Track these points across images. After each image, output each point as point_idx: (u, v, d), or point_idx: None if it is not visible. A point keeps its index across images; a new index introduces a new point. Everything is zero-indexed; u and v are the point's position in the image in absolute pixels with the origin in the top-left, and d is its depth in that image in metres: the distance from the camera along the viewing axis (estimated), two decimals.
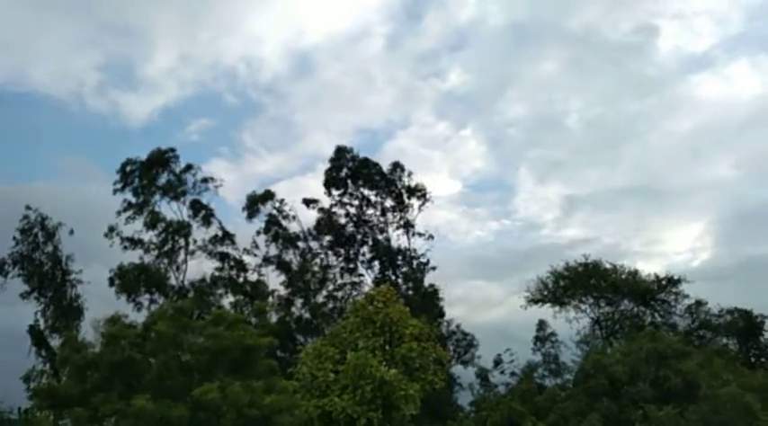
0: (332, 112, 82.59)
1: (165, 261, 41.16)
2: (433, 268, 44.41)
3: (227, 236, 43.45)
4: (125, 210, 41.52)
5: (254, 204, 44.80)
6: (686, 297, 39.55)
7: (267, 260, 44.07)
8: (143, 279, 40.08)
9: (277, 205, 44.89)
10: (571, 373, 35.78)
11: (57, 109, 75.68)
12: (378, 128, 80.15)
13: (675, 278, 39.78)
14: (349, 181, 45.47)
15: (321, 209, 45.17)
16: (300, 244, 44.95)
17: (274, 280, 43.74)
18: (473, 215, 71.38)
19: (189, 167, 43.12)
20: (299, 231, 45.14)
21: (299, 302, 43.54)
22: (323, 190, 45.27)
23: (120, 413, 19.54)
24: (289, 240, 44.58)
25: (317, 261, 44.80)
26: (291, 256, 44.58)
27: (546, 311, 42.11)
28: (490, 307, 62.35)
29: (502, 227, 71.07)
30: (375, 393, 24.10)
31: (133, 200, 41.83)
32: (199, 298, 39.10)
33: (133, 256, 41.42)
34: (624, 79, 75.29)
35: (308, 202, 45.51)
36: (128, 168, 42.23)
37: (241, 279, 42.86)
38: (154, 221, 41.58)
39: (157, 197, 42.26)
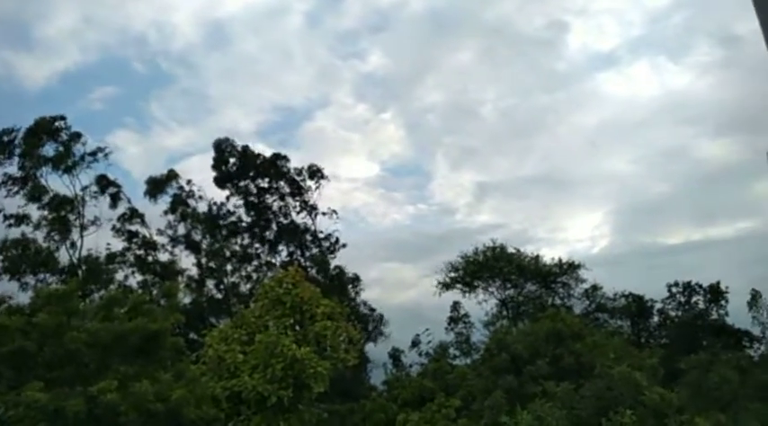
0: (248, 87, 79.90)
1: (57, 238, 38.57)
2: (344, 245, 44.62)
3: (135, 215, 41.57)
4: (4, 184, 38.48)
5: (156, 186, 42.75)
6: (584, 281, 41.95)
7: (175, 240, 42.61)
8: (28, 257, 37.38)
9: (182, 185, 43.25)
10: (480, 353, 37.08)
11: None
12: (296, 106, 78.66)
13: (575, 263, 42.02)
14: (238, 176, 44.44)
15: (214, 204, 44.11)
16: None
17: (186, 261, 42.50)
18: (390, 198, 72.17)
19: (77, 135, 39.94)
20: (209, 210, 43.98)
21: (210, 283, 42.57)
22: (214, 184, 43.94)
23: (10, 403, 18.35)
24: (198, 220, 43.24)
25: (233, 241, 43.89)
26: (201, 236, 43.44)
27: (457, 294, 43.31)
28: (404, 289, 63.46)
29: (418, 211, 72.32)
30: (286, 371, 24.01)
31: (16, 173, 38.69)
32: (92, 277, 37.14)
33: (17, 233, 38.64)
34: (536, 72, 78.23)
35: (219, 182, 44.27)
36: (5, 138, 38.67)
37: (150, 259, 41.23)
38: (38, 194, 38.70)
39: (44, 169, 39.23)
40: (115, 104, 73.11)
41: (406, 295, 62.26)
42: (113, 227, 40.60)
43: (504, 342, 26.30)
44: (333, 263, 44.06)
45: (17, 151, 38.69)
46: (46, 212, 38.48)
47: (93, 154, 39.99)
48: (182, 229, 42.72)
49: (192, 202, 43.43)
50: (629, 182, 69.64)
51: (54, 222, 38.17)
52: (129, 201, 41.56)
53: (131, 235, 41.24)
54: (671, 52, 77.46)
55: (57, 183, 39.49)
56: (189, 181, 43.44)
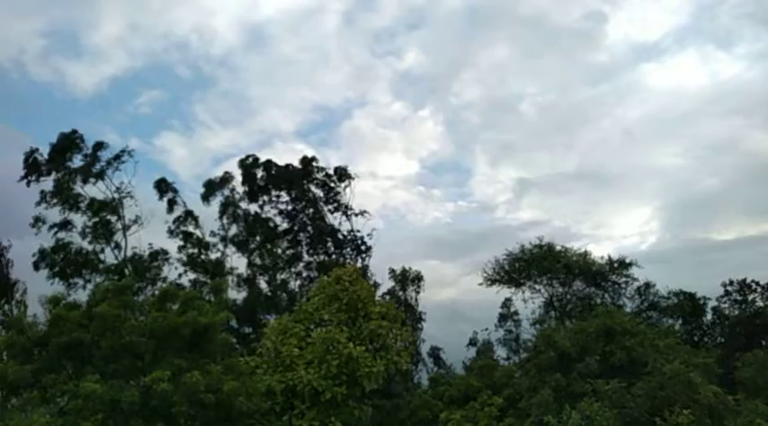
0: (287, 88, 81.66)
1: (100, 241, 40.33)
2: (369, 247, 45.09)
3: (190, 216, 43.25)
4: (43, 201, 40.20)
5: (211, 188, 44.43)
6: (635, 280, 40.83)
7: (226, 239, 43.73)
8: (72, 260, 39.22)
9: (234, 186, 44.96)
10: (527, 351, 36.64)
11: None
12: (334, 107, 79.59)
13: (627, 261, 40.91)
14: (270, 188, 45.59)
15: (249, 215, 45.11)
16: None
17: (236, 260, 44.03)
18: (430, 196, 72.09)
19: (99, 144, 41.96)
20: (252, 214, 44.86)
21: (261, 280, 43.77)
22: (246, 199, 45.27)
23: (70, 394, 19.12)
24: (246, 221, 44.29)
25: (280, 242, 44.51)
26: (248, 236, 44.38)
27: (502, 292, 42.86)
28: (443, 287, 63.35)
29: (458, 209, 72.12)
30: (341, 368, 24.44)
31: (50, 188, 40.54)
32: (138, 274, 38.54)
33: (64, 238, 40.44)
34: (576, 65, 76.73)
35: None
36: (32, 158, 40.84)
37: (203, 257, 42.43)
38: (75, 202, 40.46)
39: (77, 180, 41.06)
40: (161, 107, 75.75)
41: (445, 293, 62.14)
42: (169, 230, 42.81)
43: (551, 340, 25.83)
44: (366, 263, 44.44)
45: (45, 169, 40.59)
46: (86, 218, 40.28)
47: (118, 157, 41.72)
48: (233, 229, 44.11)
49: (242, 204, 44.71)
50: (677, 177, 67.31)
51: (96, 226, 39.89)
52: (184, 205, 43.66)
53: (186, 236, 42.69)
54: (720, 41, 74.61)
55: (93, 191, 41.60)
56: (233, 189, 45.10)
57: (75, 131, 41.57)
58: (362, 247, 45.02)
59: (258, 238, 44.47)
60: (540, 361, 25.55)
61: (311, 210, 45.48)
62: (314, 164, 46.20)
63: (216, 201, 44.50)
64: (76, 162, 41.27)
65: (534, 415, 21.79)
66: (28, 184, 40.24)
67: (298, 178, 45.49)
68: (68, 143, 41.16)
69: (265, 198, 45.33)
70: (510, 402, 25.62)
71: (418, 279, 44.55)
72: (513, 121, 78.55)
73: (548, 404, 22.03)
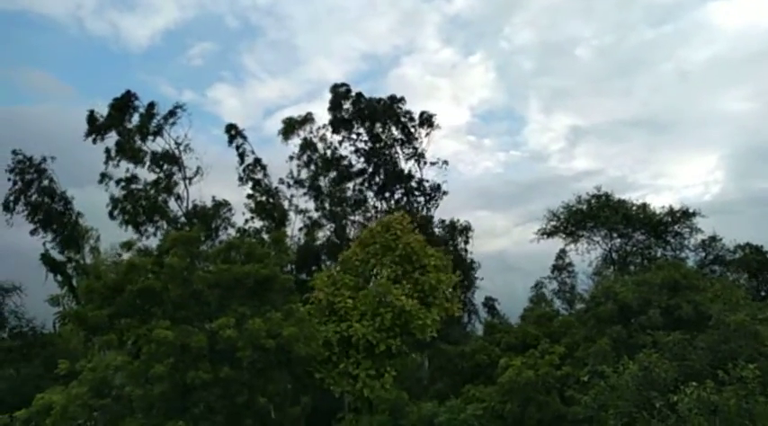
0: (334, 36, 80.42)
1: (165, 193, 41.74)
2: (445, 193, 45.16)
3: (258, 164, 44.54)
4: (109, 159, 41.74)
5: (290, 127, 44.89)
6: (699, 231, 39.43)
7: (298, 182, 44.64)
8: (142, 207, 40.85)
9: (314, 128, 45.42)
10: (584, 303, 36.33)
11: (53, 30, 73.66)
12: (382, 54, 77.93)
13: (690, 211, 39.49)
14: (354, 121, 45.43)
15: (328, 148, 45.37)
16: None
17: (304, 204, 44.96)
18: (481, 145, 70.51)
19: (152, 104, 43.08)
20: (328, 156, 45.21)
21: (328, 226, 44.60)
22: (329, 128, 45.48)
23: (144, 339, 20.33)
24: (324, 164, 44.68)
25: (349, 185, 45.05)
26: (322, 181, 45.02)
27: (555, 244, 42.29)
28: (494, 238, 62.89)
29: (510, 158, 70.44)
30: (394, 321, 24.75)
31: (113, 147, 42.03)
32: (206, 225, 39.84)
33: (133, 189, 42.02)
34: (636, 5, 71.93)
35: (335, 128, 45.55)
36: (94, 121, 42.18)
37: (270, 203, 43.68)
38: (139, 157, 41.59)
39: (138, 137, 42.38)
40: (212, 59, 76.19)
41: (496, 243, 61.67)
42: (239, 177, 44.16)
43: (612, 291, 25.39)
44: (435, 213, 44.54)
45: (105, 126, 42.10)
46: (150, 172, 41.74)
47: (173, 113, 42.92)
48: (303, 174, 44.83)
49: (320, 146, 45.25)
50: (744, 123, 63.18)
51: (158, 180, 41.31)
52: (253, 152, 44.62)
53: (255, 183, 44.13)
54: None
55: (153, 146, 42.90)
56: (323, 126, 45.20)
57: (129, 92, 42.88)
58: (435, 194, 44.87)
59: (331, 175, 44.79)
60: (599, 313, 25.23)
61: (387, 153, 45.36)
62: (400, 104, 45.82)
63: (284, 145, 45.27)
64: (134, 121, 42.69)
65: (591, 364, 21.64)
66: (94, 141, 42.00)
67: (382, 114, 45.24)
68: (124, 103, 42.49)
69: (345, 134, 45.40)
70: (568, 351, 25.55)
71: (467, 229, 44.45)
72: (568, 66, 75.30)
73: (605, 354, 21.83)
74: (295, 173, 44.90)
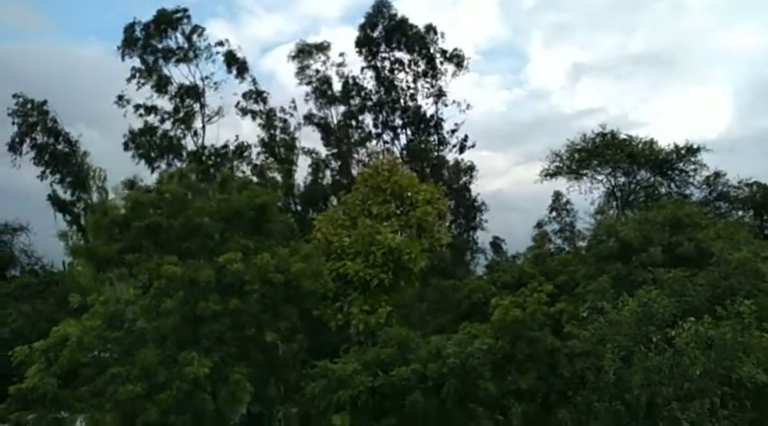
0: None
1: (182, 127, 41.31)
2: (465, 138, 44.49)
3: (257, 94, 43.52)
4: (133, 78, 40.92)
5: (303, 53, 43.87)
6: (704, 167, 39.24)
7: (307, 118, 44.14)
8: (156, 143, 40.59)
9: (327, 58, 44.26)
10: (585, 241, 36.64)
11: None
12: None
13: (695, 147, 39.17)
14: (382, 43, 43.90)
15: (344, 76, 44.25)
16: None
17: (309, 139, 44.76)
18: (482, 83, 69.30)
19: (195, 29, 42.01)
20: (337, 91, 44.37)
21: (335, 164, 44.32)
22: (353, 48, 44.01)
23: (153, 273, 20.76)
24: (333, 98, 43.93)
25: (355, 122, 44.43)
26: (332, 116, 44.57)
27: (556, 183, 42.21)
28: (494, 177, 62.72)
29: (512, 96, 69.30)
30: (386, 257, 25.53)
31: (139, 65, 41.13)
32: (216, 165, 39.75)
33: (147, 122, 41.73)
34: None
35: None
36: (132, 31, 41.20)
37: (278, 136, 43.39)
38: (164, 85, 41.12)
39: (162, 62, 41.52)
40: None
41: (496, 183, 61.53)
42: (237, 104, 43.14)
43: (613, 229, 25.55)
44: (442, 153, 44.16)
45: (139, 44, 40.79)
46: (171, 103, 41.10)
47: (221, 44, 42.57)
48: (314, 108, 44.24)
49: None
50: (751, 59, 61.43)
51: (179, 112, 40.80)
52: (254, 82, 43.66)
53: (254, 115, 43.51)
54: None
55: (177, 74, 41.85)
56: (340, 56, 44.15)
57: (185, 9, 41.74)
58: (455, 136, 44.26)
59: (341, 109, 44.08)
60: (599, 250, 25.49)
61: (412, 85, 44.19)
62: (434, 33, 44.20)
63: (285, 79, 45.60)
64: (170, 43, 41.75)
65: (590, 301, 22.04)
66: (122, 58, 41.25)
67: (415, 41, 43.68)
68: (166, 20, 41.33)
69: (368, 57, 44.09)
70: (565, 288, 25.94)
71: (470, 169, 44.28)
72: (571, 0, 72.54)
73: (604, 291, 22.19)
74: (302, 109, 44.17)
